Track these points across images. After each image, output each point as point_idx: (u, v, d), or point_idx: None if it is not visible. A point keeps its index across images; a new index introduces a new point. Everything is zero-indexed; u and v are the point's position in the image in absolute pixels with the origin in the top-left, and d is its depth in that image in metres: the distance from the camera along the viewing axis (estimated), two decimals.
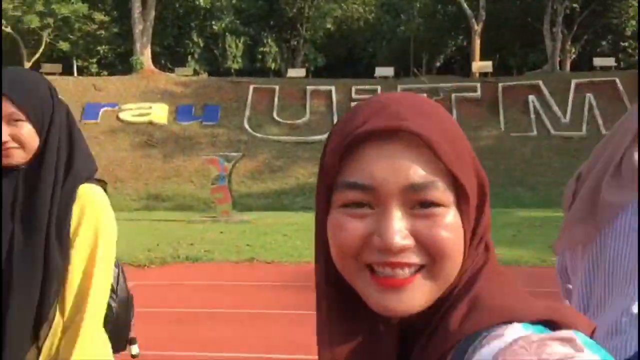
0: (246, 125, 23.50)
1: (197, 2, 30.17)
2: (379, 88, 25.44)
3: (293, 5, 31.25)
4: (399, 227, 0.65)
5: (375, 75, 27.21)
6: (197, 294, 8.14)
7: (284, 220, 15.46)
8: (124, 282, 1.89)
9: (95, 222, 1.63)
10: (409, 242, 0.65)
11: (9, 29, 26.34)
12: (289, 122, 23.88)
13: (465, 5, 27.20)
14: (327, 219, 0.73)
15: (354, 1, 32.42)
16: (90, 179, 1.68)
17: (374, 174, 0.66)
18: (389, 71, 27.39)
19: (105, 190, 1.74)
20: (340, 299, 0.74)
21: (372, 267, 0.67)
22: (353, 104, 21.32)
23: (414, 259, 0.66)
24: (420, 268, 0.66)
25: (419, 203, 0.66)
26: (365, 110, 0.70)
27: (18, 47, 27.15)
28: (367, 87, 25.64)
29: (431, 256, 0.66)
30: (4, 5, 25.39)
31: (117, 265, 1.83)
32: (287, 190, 20.53)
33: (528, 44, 30.67)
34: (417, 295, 0.66)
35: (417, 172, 0.65)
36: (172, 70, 28.71)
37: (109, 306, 1.73)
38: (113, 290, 1.77)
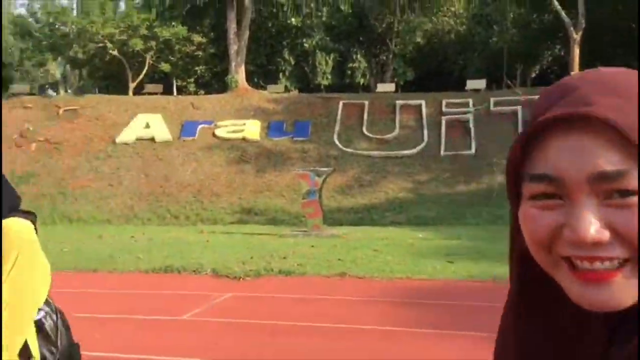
0: (336, 141, 23.75)
1: (289, 22, 30.98)
2: (470, 101, 24.94)
3: (382, 21, 31.36)
4: (590, 220, 0.61)
5: (466, 88, 26.69)
6: (289, 307, 8.31)
7: (374, 235, 15.46)
8: (65, 331, 1.63)
9: (9, 260, 1.39)
10: (604, 234, 0.61)
11: (115, 52, 28.21)
12: (378, 137, 23.90)
13: (563, 13, 26.13)
14: (519, 211, 0.69)
15: (445, 14, 32.02)
16: (14, 211, 1.48)
17: (559, 164, 0.63)
18: (480, 84, 26.78)
19: (34, 223, 1.52)
20: (537, 294, 0.72)
21: (570, 259, 0.64)
22: (444, 117, 21.15)
23: (614, 252, 0.61)
24: (624, 261, 0.62)
25: (614, 192, 0.61)
26: (552, 94, 0.67)
27: (124, 69, 29.01)
28: (458, 100, 25.21)
29: (634, 249, 0.61)
30: (111, 30, 27.25)
31: (55, 311, 1.58)
32: (376, 205, 20.51)
33: (632, 52, 28.96)
34: (625, 289, 0.62)
35: (609, 160, 0.60)
36: (264, 88, 29.61)
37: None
38: (52, 343, 1.55)
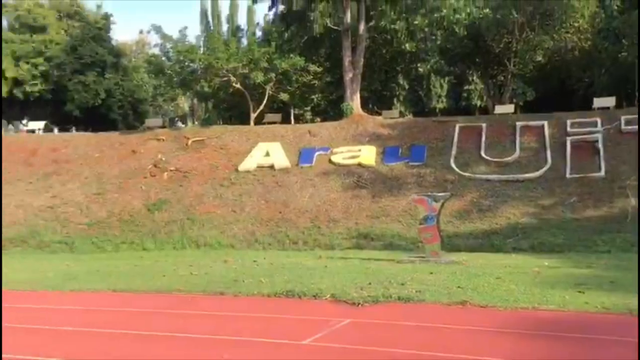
0: (453, 165, 23.31)
1: (403, 47, 31.07)
2: (598, 120, 23.53)
3: (500, 41, 30.54)
4: None
5: (593, 106, 25.24)
6: (409, 334, 8.23)
7: (495, 262, 14.92)
8: None
9: None
10: None
11: (238, 85, 29.79)
12: (497, 159, 23.16)
13: None
14: None
15: (567, 30, 30.57)
16: None
17: None
18: (609, 101, 25.22)
19: None
20: None
21: None
22: (569, 138, 20.10)
23: None
24: None
25: None
26: None
27: (246, 100, 30.53)
28: (584, 119, 23.88)
29: None
30: (234, 64, 28.84)
31: None
32: (497, 230, 19.79)
33: None
34: None
35: None
36: (379, 114, 29.82)
37: None
38: None
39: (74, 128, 35.32)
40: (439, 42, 32.70)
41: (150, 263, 17.30)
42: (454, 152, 23.95)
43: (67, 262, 18.02)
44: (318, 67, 32.09)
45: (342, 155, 24.90)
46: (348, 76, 28.86)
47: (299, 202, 22.91)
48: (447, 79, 34.56)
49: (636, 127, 22.43)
